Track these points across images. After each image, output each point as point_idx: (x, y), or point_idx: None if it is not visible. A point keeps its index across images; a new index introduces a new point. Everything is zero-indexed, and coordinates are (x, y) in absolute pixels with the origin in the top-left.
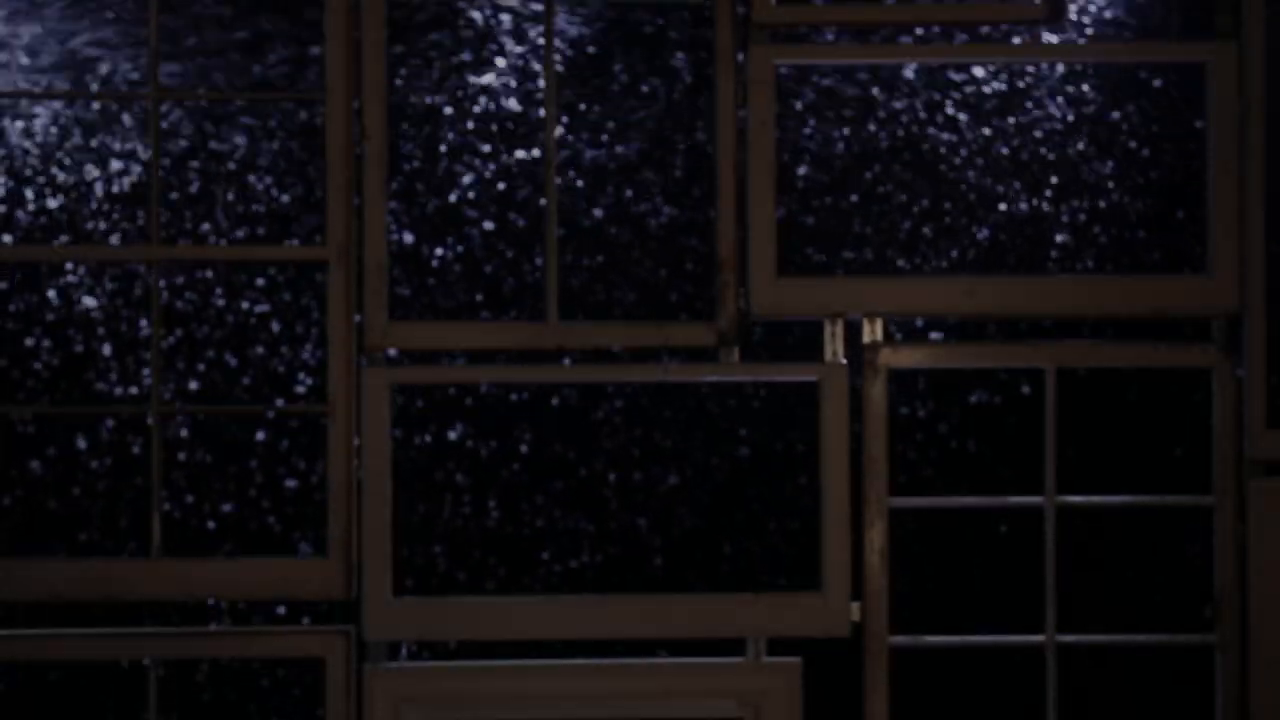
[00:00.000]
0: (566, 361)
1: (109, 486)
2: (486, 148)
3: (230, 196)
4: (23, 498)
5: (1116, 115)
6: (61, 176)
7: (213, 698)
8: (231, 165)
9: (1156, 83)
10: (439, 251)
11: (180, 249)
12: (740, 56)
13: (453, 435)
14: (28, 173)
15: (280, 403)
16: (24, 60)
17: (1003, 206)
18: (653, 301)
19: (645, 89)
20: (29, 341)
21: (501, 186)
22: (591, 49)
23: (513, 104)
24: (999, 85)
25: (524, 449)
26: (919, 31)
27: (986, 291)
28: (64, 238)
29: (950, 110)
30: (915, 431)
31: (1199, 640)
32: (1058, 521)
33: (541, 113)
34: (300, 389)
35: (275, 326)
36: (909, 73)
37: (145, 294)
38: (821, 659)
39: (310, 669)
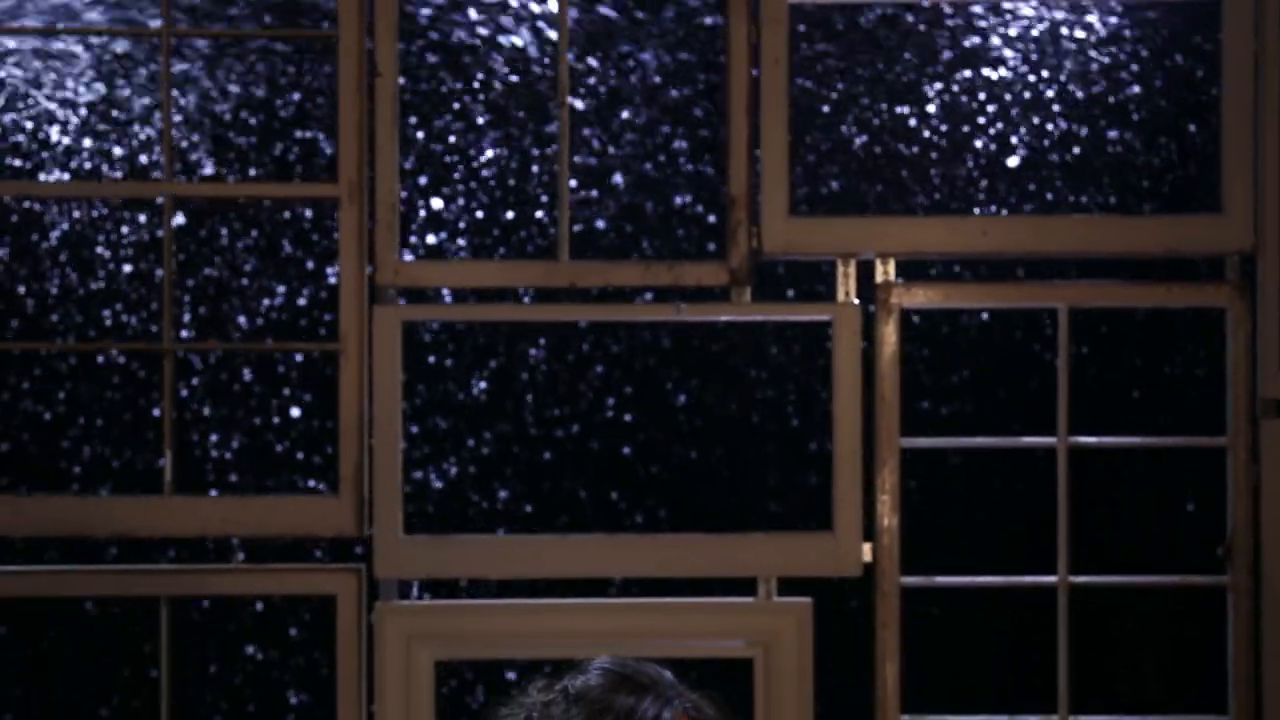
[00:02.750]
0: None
1: (119, 422)
2: (497, 80)
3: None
4: (33, 434)
5: (1129, 49)
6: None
7: (222, 630)
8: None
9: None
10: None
11: (193, 185)
12: None
13: (463, 373)
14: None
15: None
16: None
17: (1017, 144)
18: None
19: (655, 30)
20: (35, 277)
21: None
22: None
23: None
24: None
25: (534, 387)
26: None
27: (1000, 231)
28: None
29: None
30: (927, 371)
31: (1211, 581)
32: (1070, 462)
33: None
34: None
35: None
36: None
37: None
38: (832, 599)
39: (321, 606)
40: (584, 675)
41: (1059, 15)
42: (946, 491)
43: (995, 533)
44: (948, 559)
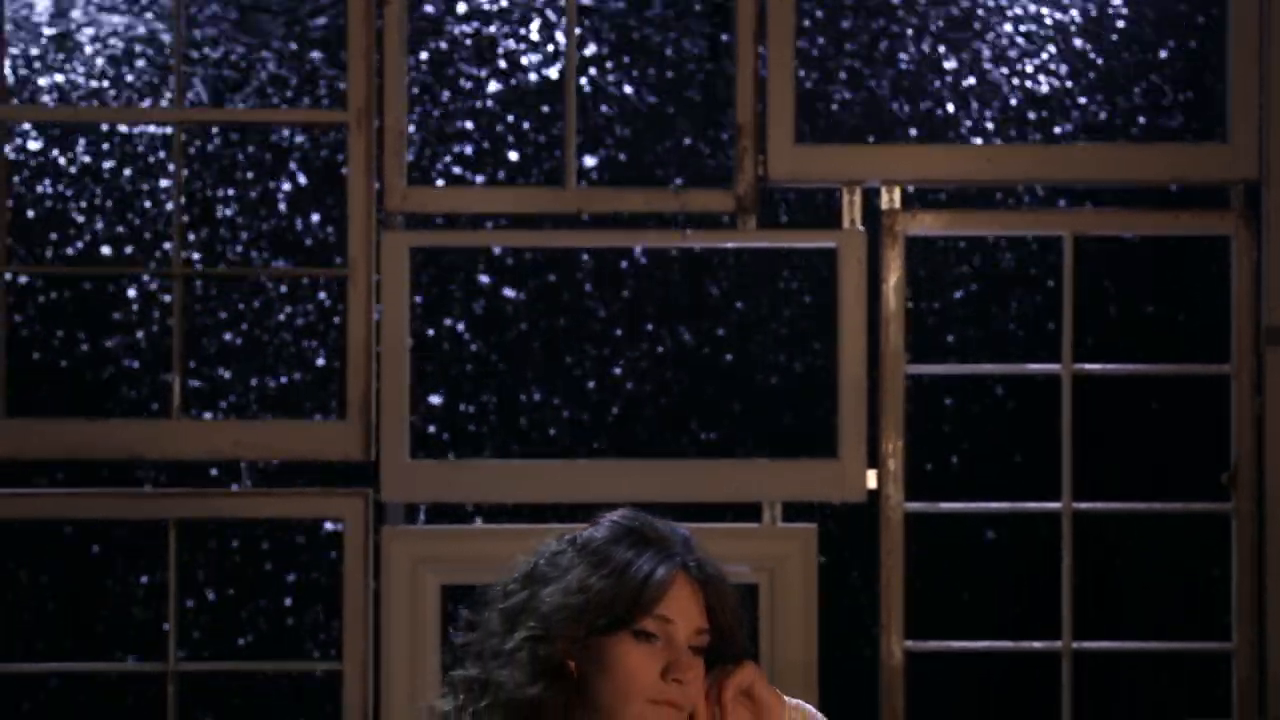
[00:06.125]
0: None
1: (129, 349)
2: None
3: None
4: (43, 359)
5: None
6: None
7: (229, 555)
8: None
9: None
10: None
11: (203, 111)
12: None
13: (470, 298)
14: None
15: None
16: None
17: (1021, 72)
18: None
19: None
20: (48, 204)
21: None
22: None
23: None
24: None
25: (542, 312)
26: None
27: (1005, 159)
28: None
29: None
30: (932, 298)
31: (1215, 509)
32: (1073, 389)
33: None
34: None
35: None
36: None
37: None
38: (837, 525)
39: (329, 530)
40: (596, 527)
41: None
42: (951, 418)
43: (999, 459)
44: (952, 485)
